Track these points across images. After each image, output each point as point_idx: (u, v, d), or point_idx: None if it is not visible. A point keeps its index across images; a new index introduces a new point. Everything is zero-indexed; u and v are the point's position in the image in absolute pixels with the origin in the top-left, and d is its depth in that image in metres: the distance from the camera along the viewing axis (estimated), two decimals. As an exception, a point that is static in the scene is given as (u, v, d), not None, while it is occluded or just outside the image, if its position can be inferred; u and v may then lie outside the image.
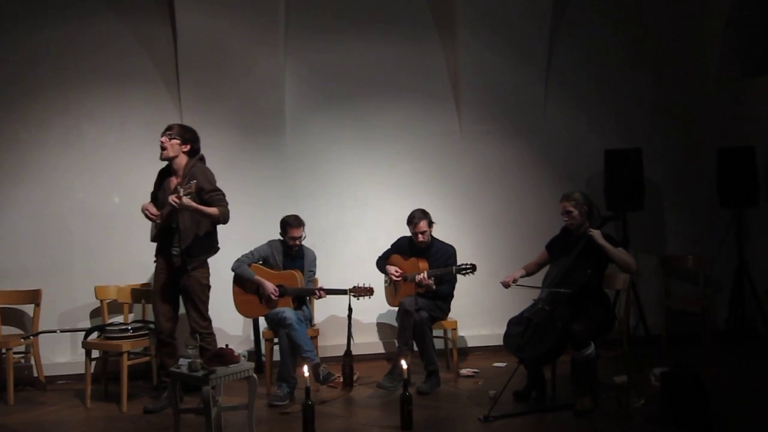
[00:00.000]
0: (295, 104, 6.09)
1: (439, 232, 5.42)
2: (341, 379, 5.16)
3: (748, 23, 6.42)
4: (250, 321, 5.73)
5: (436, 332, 5.32)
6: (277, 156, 6.06)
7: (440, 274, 5.16)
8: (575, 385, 4.75)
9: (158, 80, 5.84)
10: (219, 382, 3.95)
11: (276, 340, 5.05)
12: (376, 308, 5.86)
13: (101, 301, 5.46)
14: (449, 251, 5.32)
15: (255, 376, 4.08)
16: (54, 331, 5.41)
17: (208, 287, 4.77)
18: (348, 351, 5.14)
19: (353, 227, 6.12)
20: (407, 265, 5.32)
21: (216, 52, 5.76)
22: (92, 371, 5.02)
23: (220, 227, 4.84)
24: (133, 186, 5.54)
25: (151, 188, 4.83)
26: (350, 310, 5.17)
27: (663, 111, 6.62)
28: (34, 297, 5.38)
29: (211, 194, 4.60)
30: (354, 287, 5.13)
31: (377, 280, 5.43)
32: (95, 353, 5.14)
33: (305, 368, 4.28)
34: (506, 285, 4.86)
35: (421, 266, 5.20)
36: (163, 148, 4.61)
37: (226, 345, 4.23)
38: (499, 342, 4.94)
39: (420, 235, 5.22)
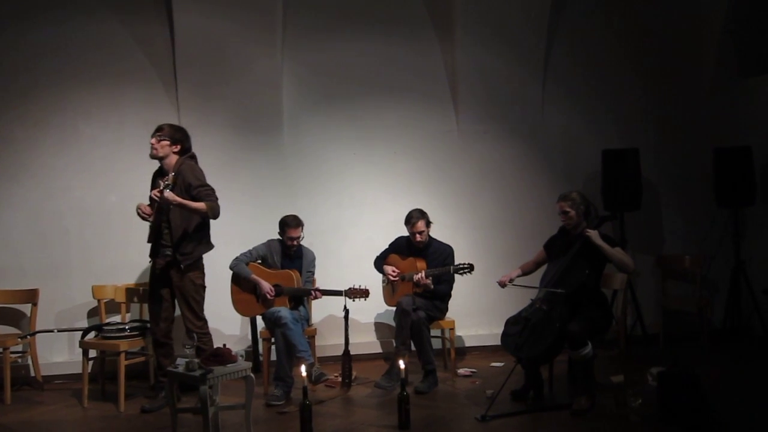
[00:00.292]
0: (292, 104, 6.09)
1: (437, 232, 5.43)
2: (338, 379, 5.16)
3: (745, 24, 6.43)
4: (247, 320, 5.73)
5: (434, 332, 5.32)
6: (274, 155, 6.05)
7: (438, 273, 5.16)
8: (572, 384, 4.75)
9: (156, 79, 5.83)
10: (216, 382, 3.94)
11: (273, 339, 5.04)
12: (374, 308, 5.86)
13: (98, 300, 5.46)
14: (447, 251, 5.32)
15: (252, 375, 4.08)
16: (51, 331, 5.40)
17: (203, 287, 4.76)
18: (346, 351, 5.14)
19: (351, 227, 6.12)
20: (405, 265, 5.32)
21: (213, 52, 5.75)
22: (89, 371, 5.02)
23: (217, 226, 4.84)
24: (131, 185, 5.53)
25: (148, 188, 4.83)
26: (347, 311, 5.17)
27: (660, 111, 6.63)
28: (31, 296, 5.37)
29: (198, 189, 4.58)
30: (349, 289, 5.13)
31: (375, 280, 5.44)
32: (92, 353, 5.13)
33: (302, 368, 4.28)
34: (502, 284, 4.86)
35: (419, 266, 5.20)
36: (152, 148, 4.63)
37: (224, 344, 4.24)
38: (497, 342, 4.94)
39: (418, 235, 5.22)
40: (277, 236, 5.30)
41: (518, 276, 4.88)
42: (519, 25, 6.14)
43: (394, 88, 6.22)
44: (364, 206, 6.16)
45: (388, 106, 6.22)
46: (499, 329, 4.78)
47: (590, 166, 6.37)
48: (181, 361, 4.01)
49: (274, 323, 4.94)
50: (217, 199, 4.64)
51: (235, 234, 5.42)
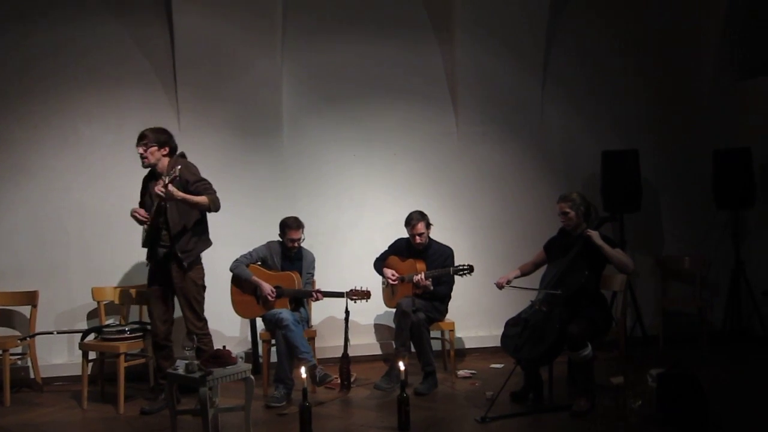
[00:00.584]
0: (292, 105, 6.09)
1: (437, 234, 5.43)
2: (338, 381, 5.16)
3: (744, 25, 6.44)
4: (247, 322, 5.73)
5: (434, 333, 5.33)
6: (274, 157, 6.06)
7: (437, 275, 5.16)
8: (572, 386, 4.76)
9: (155, 81, 5.83)
10: (216, 384, 3.94)
11: (273, 341, 5.04)
12: (374, 309, 5.86)
13: (98, 302, 5.45)
14: (447, 252, 5.32)
15: (252, 377, 4.08)
16: (51, 333, 5.39)
17: (204, 287, 4.77)
18: (345, 353, 5.14)
19: (350, 228, 6.12)
20: (405, 267, 5.32)
21: (213, 54, 5.76)
22: (89, 373, 5.02)
23: (216, 228, 4.86)
24: (130, 187, 5.49)
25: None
26: (347, 313, 5.17)
27: (660, 112, 6.63)
28: (30, 298, 5.36)
29: (196, 185, 4.59)
30: (351, 290, 5.13)
31: (375, 282, 5.43)
32: (92, 355, 5.13)
33: (302, 369, 4.28)
34: (500, 286, 4.86)
35: (419, 267, 5.20)
36: (143, 158, 4.62)
37: (224, 346, 4.24)
38: (497, 343, 4.94)
39: (418, 237, 5.23)
40: (277, 238, 5.30)
41: (516, 277, 4.88)
42: (518, 27, 6.14)
43: (393, 90, 6.23)
44: (364, 208, 6.16)
45: (388, 107, 6.23)
46: (499, 331, 4.78)
47: (590, 167, 6.37)
48: (180, 363, 4.00)
49: (275, 325, 4.93)
50: (215, 192, 4.65)
51: (234, 235, 5.42)
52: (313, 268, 5.36)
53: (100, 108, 5.77)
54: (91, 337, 5.08)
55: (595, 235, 4.50)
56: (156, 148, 4.63)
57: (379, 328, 6.19)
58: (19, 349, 5.38)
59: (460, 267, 5.12)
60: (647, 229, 6.59)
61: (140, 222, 4.68)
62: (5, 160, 5.62)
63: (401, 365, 4.37)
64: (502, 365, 5.66)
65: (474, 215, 6.33)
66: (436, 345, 5.47)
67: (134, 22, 5.78)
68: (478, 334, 6.23)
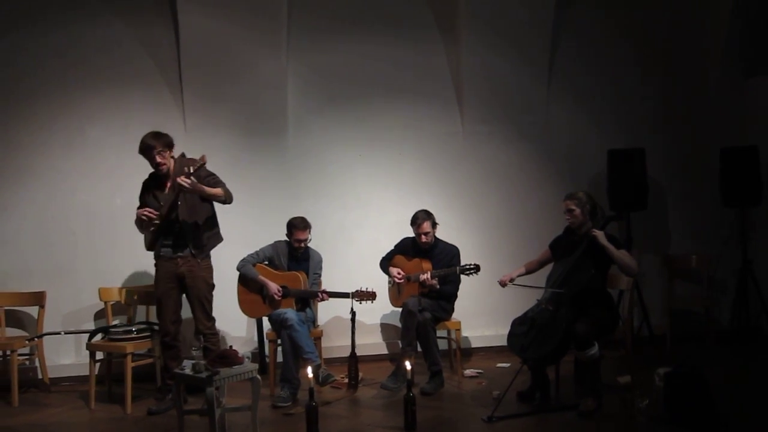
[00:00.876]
0: (297, 105, 6.09)
1: (443, 233, 5.42)
2: (345, 380, 5.16)
3: (751, 23, 6.41)
4: (254, 322, 5.73)
5: (440, 333, 5.32)
6: (279, 157, 6.07)
7: (444, 274, 5.16)
8: (579, 385, 4.74)
9: (161, 82, 5.85)
10: (223, 384, 3.95)
11: (279, 341, 5.05)
12: (380, 309, 5.85)
13: (105, 302, 5.47)
14: (453, 252, 5.32)
15: (258, 377, 4.08)
16: (58, 333, 5.41)
17: (213, 286, 4.81)
18: (353, 353, 5.14)
19: (356, 228, 6.12)
20: (411, 266, 5.32)
21: (218, 54, 5.77)
22: (96, 373, 5.03)
23: (222, 227, 4.91)
24: (136, 188, 5.50)
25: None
26: (353, 313, 5.17)
27: (666, 111, 6.61)
28: (38, 299, 5.39)
29: (208, 179, 4.68)
30: (357, 291, 5.13)
31: (381, 282, 5.43)
32: (99, 355, 5.15)
33: (308, 369, 4.28)
34: (503, 284, 4.87)
35: (425, 267, 5.20)
36: (161, 165, 4.65)
37: (230, 346, 4.25)
38: (503, 342, 4.93)
39: (423, 236, 5.22)
40: (284, 237, 5.31)
41: (520, 275, 4.88)
42: (524, 26, 6.13)
43: (398, 90, 6.22)
44: (370, 207, 6.16)
45: (393, 107, 6.23)
46: (505, 330, 4.78)
47: (596, 166, 6.35)
48: (187, 363, 4.02)
49: (280, 325, 4.94)
50: (224, 184, 4.76)
51: (239, 235, 5.43)
52: (320, 268, 5.37)
53: (106, 109, 5.79)
54: (99, 337, 5.10)
55: (600, 235, 4.49)
56: (169, 152, 4.68)
57: (385, 328, 6.19)
58: (26, 350, 5.40)
59: (467, 266, 5.11)
60: (654, 228, 6.56)
61: (144, 224, 4.68)
62: (11, 162, 5.64)
63: (408, 365, 4.37)
64: (509, 365, 5.65)
65: (480, 214, 6.32)
66: (442, 344, 5.47)
67: (139, 23, 5.80)
68: (484, 333, 6.22)
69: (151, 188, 4.79)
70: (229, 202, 4.77)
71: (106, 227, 5.72)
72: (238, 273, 5.21)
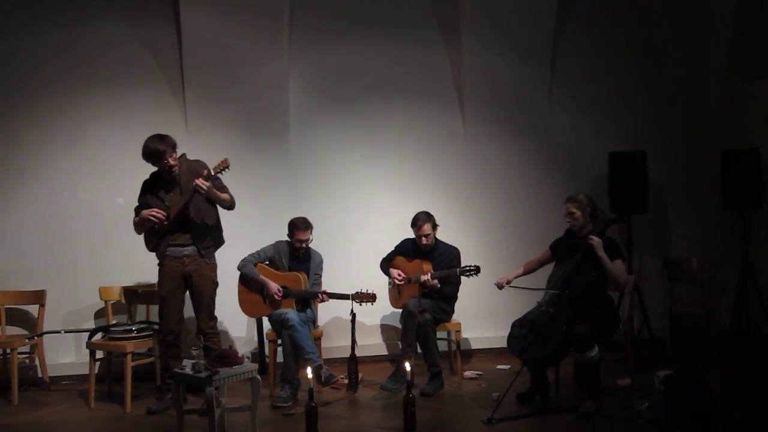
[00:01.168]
0: (299, 106, 6.10)
1: (443, 234, 5.42)
2: (345, 381, 5.16)
3: (753, 26, 6.41)
4: (254, 322, 5.73)
5: (440, 334, 5.32)
6: (280, 157, 6.07)
7: (444, 275, 5.16)
8: (579, 387, 4.75)
9: (163, 82, 5.85)
10: (222, 383, 3.96)
11: (279, 341, 5.05)
12: (380, 310, 5.86)
13: (105, 301, 5.47)
14: (453, 253, 5.32)
15: (258, 377, 4.08)
16: (58, 332, 5.42)
17: (217, 285, 4.83)
18: (352, 355, 5.14)
19: (357, 229, 6.12)
20: (411, 267, 5.32)
21: (220, 55, 5.77)
22: (96, 372, 5.02)
23: (225, 227, 4.91)
24: (137, 188, 5.51)
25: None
26: (353, 315, 5.16)
27: (667, 113, 6.61)
28: (38, 297, 5.39)
29: (216, 182, 4.72)
30: (357, 293, 5.13)
31: (381, 282, 5.44)
32: (99, 354, 5.14)
33: (308, 370, 4.28)
34: (500, 286, 4.87)
35: (425, 268, 5.20)
36: (173, 167, 4.66)
37: (230, 346, 4.25)
38: (503, 344, 4.93)
39: (424, 238, 5.22)
40: (285, 238, 5.31)
41: (518, 276, 4.88)
42: (525, 28, 6.13)
43: (400, 91, 6.22)
44: (371, 208, 6.16)
45: (395, 108, 6.23)
46: (506, 332, 4.78)
47: (597, 168, 6.36)
48: (187, 363, 4.02)
49: (281, 325, 4.94)
50: (228, 189, 4.82)
51: (240, 236, 5.42)
52: (321, 269, 5.36)
53: (108, 109, 5.79)
54: (99, 336, 5.10)
55: (597, 245, 4.47)
56: (176, 154, 4.69)
57: (385, 329, 6.18)
58: (26, 348, 5.41)
59: (467, 268, 5.11)
60: (655, 231, 6.56)
61: (149, 225, 4.67)
62: (13, 161, 5.64)
63: (407, 366, 4.37)
64: (509, 366, 5.65)
65: (480, 216, 6.32)
66: (442, 346, 5.47)
67: (142, 23, 5.80)
68: (484, 335, 6.22)
69: (153, 189, 4.77)
70: (233, 208, 4.84)
71: (107, 226, 5.72)
72: (238, 273, 5.21)
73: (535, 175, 6.41)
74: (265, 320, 5.38)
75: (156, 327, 5.02)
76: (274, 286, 5.09)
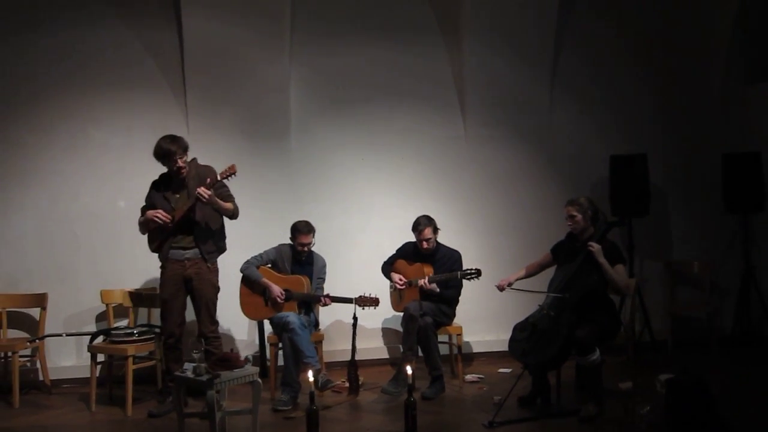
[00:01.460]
0: (300, 109, 6.10)
1: (444, 237, 5.42)
2: (346, 385, 5.15)
3: (754, 30, 6.42)
4: (255, 325, 5.74)
5: (441, 337, 5.32)
6: (281, 161, 6.07)
7: (445, 279, 5.15)
8: (580, 391, 4.74)
9: (164, 85, 5.86)
10: (223, 387, 3.95)
11: (280, 344, 5.05)
12: (381, 313, 5.84)
13: (107, 305, 5.48)
14: (454, 256, 5.32)
15: (259, 380, 4.08)
16: (60, 335, 5.42)
17: (219, 289, 4.83)
18: (352, 359, 5.12)
19: (358, 232, 6.12)
20: (412, 271, 5.31)
21: (222, 58, 5.78)
22: (97, 375, 5.03)
23: (226, 228, 4.89)
24: (139, 191, 5.51)
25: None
26: (355, 319, 5.15)
27: (668, 117, 6.61)
28: (39, 301, 5.39)
29: (221, 191, 4.72)
30: (360, 297, 5.13)
31: (382, 286, 5.43)
32: (100, 357, 5.15)
33: (309, 373, 4.27)
34: (501, 288, 4.86)
35: (426, 271, 5.20)
36: (182, 169, 4.66)
37: (231, 349, 4.25)
38: (504, 347, 4.93)
39: (425, 242, 5.22)
40: (288, 241, 5.31)
41: (519, 278, 4.88)
42: (527, 31, 6.14)
43: (401, 94, 6.23)
44: (372, 212, 6.16)
45: (396, 111, 6.23)
46: (507, 335, 4.77)
47: (598, 171, 6.35)
48: (188, 366, 4.01)
49: (282, 328, 4.94)
50: (234, 199, 4.81)
51: (241, 239, 5.42)
52: (324, 273, 5.35)
53: (110, 112, 5.80)
54: (100, 339, 5.10)
55: (597, 251, 4.47)
56: (186, 156, 4.70)
57: (386, 332, 6.18)
58: (28, 351, 5.41)
59: (468, 271, 5.11)
60: (656, 234, 6.56)
61: (153, 225, 4.68)
62: (15, 164, 5.65)
63: (408, 369, 4.36)
64: (510, 370, 5.64)
65: (482, 219, 6.32)
66: (443, 349, 5.46)
67: (143, 26, 5.81)
68: (485, 338, 6.21)
69: (161, 190, 4.79)
70: (236, 218, 4.82)
71: (109, 229, 5.72)
72: (240, 275, 5.21)
73: (536, 177, 6.41)
74: (267, 323, 5.38)
75: (157, 330, 5.01)
76: (276, 289, 5.08)
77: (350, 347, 5.16)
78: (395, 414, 4.54)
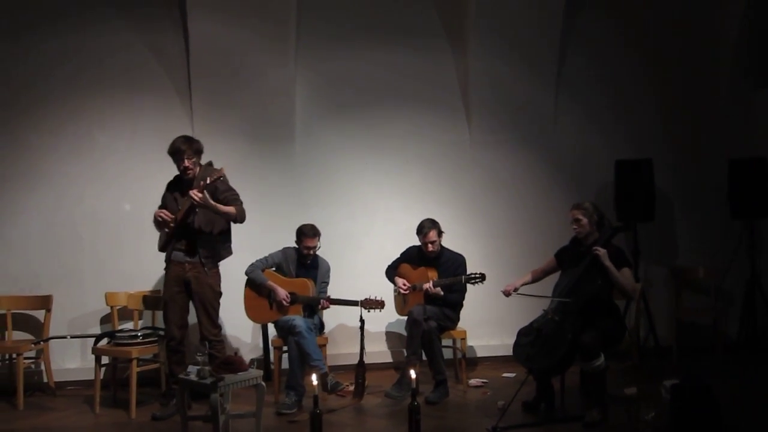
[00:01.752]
0: (305, 113, 6.11)
1: (449, 241, 5.42)
2: (351, 388, 5.15)
3: (760, 35, 6.40)
4: (259, 328, 5.73)
5: (445, 342, 5.31)
6: (286, 164, 6.08)
7: (449, 283, 5.15)
8: (584, 396, 4.72)
9: (170, 88, 5.87)
10: (227, 390, 3.95)
11: (285, 347, 5.04)
12: (385, 317, 5.84)
13: (111, 307, 5.48)
14: (459, 260, 5.31)
15: (263, 384, 4.08)
16: (64, 337, 5.43)
17: (220, 294, 4.81)
18: (361, 362, 5.11)
19: (362, 236, 6.12)
20: (416, 275, 5.31)
21: (227, 61, 5.79)
22: (101, 377, 5.03)
23: (233, 233, 4.87)
24: (144, 193, 5.57)
25: (160, 196, 4.89)
26: (362, 321, 5.14)
27: (674, 122, 6.60)
28: (44, 303, 5.41)
29: (226, 194, 4.70)
30: (365, 299, 5.12)
31: (387, 289, 5.43)
32: (105, 359, 5.14)
33: (314, 377, 4.27)
34: (507, 293, 4.85)
35: (430, 275, 5.20)
36: (189, 170, 4.67)
37: (235, 352, 4.24)
38: (508, 352, 4.92)
39: (429, 245, 5.22)
40: (293, 244, 5.31)
41: (525, 283, 4.87)
42: (532, 35, 6.14)
43: (406, 98, 6.23)
44: (377, 215, 6.16)
45: (401, 115, 6.24)
46: (511, 340, 4.76)
47: (603, 176, 6.34)
48: (192, 369, 4.01)
49: (287, 331, 4.94)
50: (242, 203, 4.77)
51: (246, 242, 5.42)
52: (329, 277, 5.36)
53: (115, 115, 5.81)
54: (104, 341, 5.10)
55: (603, 255, 4.46)
56: (197, 158, 4.71)
57: (390, 336, 6.17)
58: (32, 353, 5.42)
59: (472, 275, 5.10)
60: (661, 239, 6.54)
61: (162, 224, 4.71)
62: (20, 166, 5.67)
63: (412, 373, 4.34)
64: (514, 374, 5.63)
65: (486, 223, 6.31)
66: (447, 353, 5.45)
67: (149, 30, 5.83)
68: (489, 343, 6.20)
69: (172, 190, 4.82)
70: (240, 222, 4.78)
71: (114, 232, 5.74)
72: (245, 278, 5.21)
73: (541, 182, 6.40)
74: (270, 327, 5.37)
75: (161, 333, 5.02)
76: (282, 292, 5.09)
77: (354, 350, 5.16)
78: (399, 418, 4.53)
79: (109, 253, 5.73)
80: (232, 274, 5.10)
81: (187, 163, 4.66)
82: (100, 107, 5.79)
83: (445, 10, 6.24)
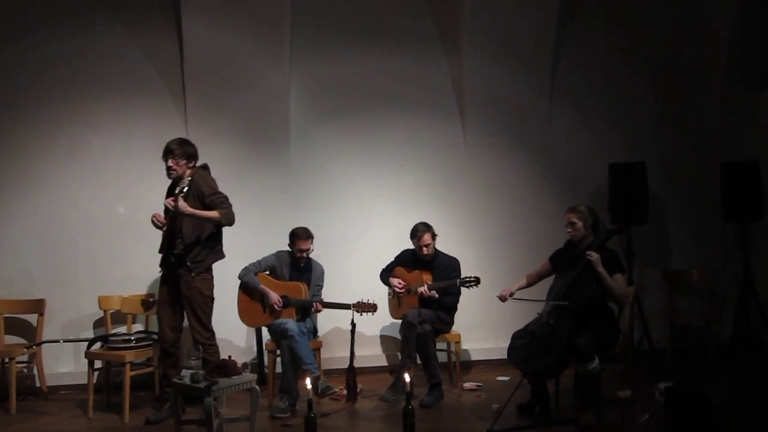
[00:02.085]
0: (300, 116, 6.11)
1: (443, 245, 5.42)
2: (344, 392, 5.14)
3: (753, 38, 6.43)
4: (253, 332, 5.73)
5: (440, 345, 5.31)
6: (281, 168, 6.08)
7: (443, 286, 5.15)
8: (579, 399, 4.73)
9: (164, 92, 5.87)
10: (221, 394, 3.95)
11: (279, 351, 5.04)
12: (380, 320, 5.84)
13: (105, 311, 5.47)
14: (453, 264, 5.32)
15: (257, 387, 4.08)
16: (57, 341, 5.40)
17: (211, 298, 4.77)
18: (351, 366, 5.12)
19: (357, 239, 6.11)
20: (411, 278, 5.31)
21: (222, 65, 5.79)
22: (95, 381, 5.02)
23: (225, 237, 4.86)
24: (139, 196, 5.57)
25: (156, 199, 4.87)
26: (353, 325, 5.14)
27: (667, 125, 6.62)
28: (37, 306, 5.39)
29: (212, 198, 4.63)
30: (357, 303, 5.12)
31: (381, 293, 5.43)
32: (98, 363, 5.13)
33: (307, 381, 4.26)
34: (503, 299, 4.85)
35: (425, 279, 5.20)
36: (172, 170, 4.65)
37: (229, 356, 4.23)
38: (503, 355, 4.92)
39: (424, 248, 5.22)
40: (286, 248, 5.31)
41: (521, 288, 4.87)
42: (526, 39, 6.15)
43: (401, 102, 6.24)
44: (371, 219, 6.16)
45: (396, 119, 6.24)
46: (506, 343, 4.77)
47: (597, 179, 6.36)
48: (186, 373, 4.01)
49: (280, 335, 4.93)
50: (230, 206, 4.69)
51: (241, 246, 5.42)
52: (323, 280, 5.35)
53: (110, 118, 5.81)
54: (97, 345, 5.09)
55: (595, 260, 4.47)
56: (185, 161, 4.68)
57: (385, 340, 6.17)
58: (25, 358, 5.40)
59: (467, 279, 5.11)
60: (655, 242, 6.56)
61: (158, 227, 4.71)
62: (15, 169, 5.66)
63: (407, 377, 4.34)
64: (509, 378, 5.64)
65: (481, 227, 6.32)
66: (442, 357, 5.46)
67: (143, 33, 5.83)
68: (484, 346, 6.20)
69: (168, 193, 4.79)
70: (226, 225, 4.68)
71: (108, 235, 5.73)
72: (238, 282, 5.20)
73: (535, 185, 6.41)
74: (265, 330, 5.37)
75: (155, 337, 5.01)
76: (274, 296, 5.08)
77: (348, 354, 5.15)
78: (393, 422, 4.53)
79: (103, 257, 5.71)
80: (226, 277, 5.10)
81: (170, 163, 4.63)
82: (94, 110, 5.79)
83: (440, 15, 6.26)
